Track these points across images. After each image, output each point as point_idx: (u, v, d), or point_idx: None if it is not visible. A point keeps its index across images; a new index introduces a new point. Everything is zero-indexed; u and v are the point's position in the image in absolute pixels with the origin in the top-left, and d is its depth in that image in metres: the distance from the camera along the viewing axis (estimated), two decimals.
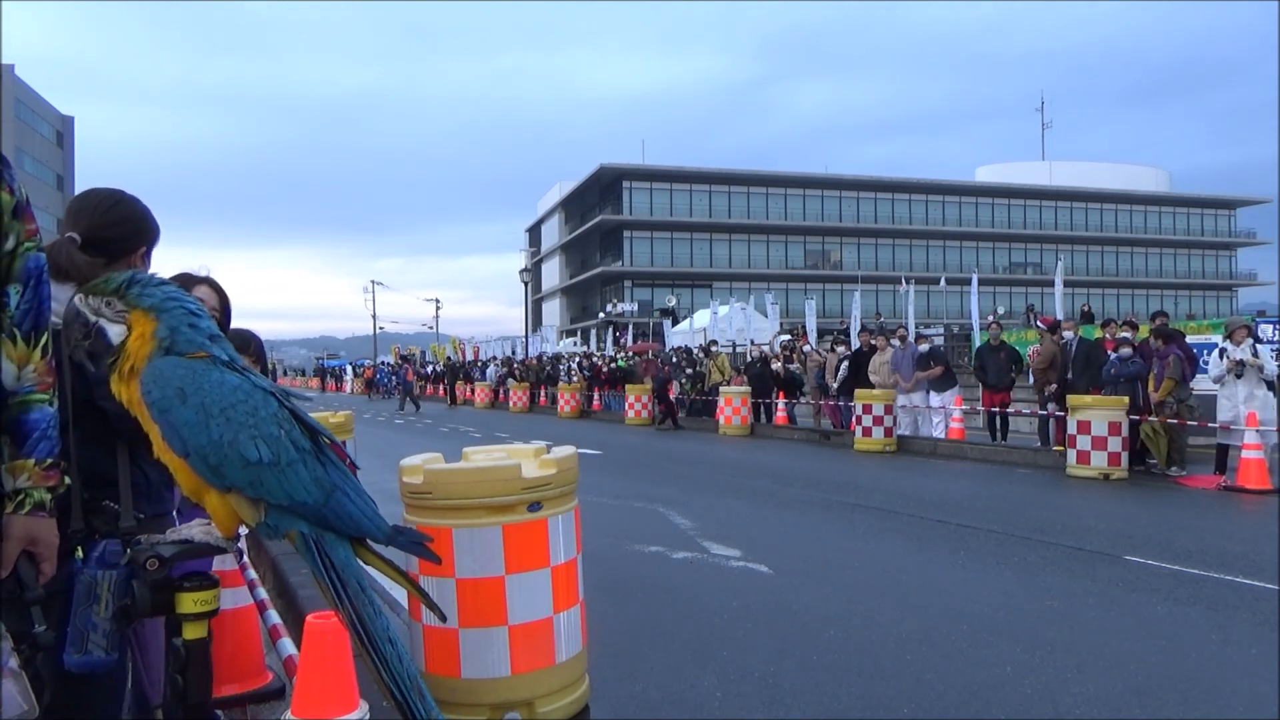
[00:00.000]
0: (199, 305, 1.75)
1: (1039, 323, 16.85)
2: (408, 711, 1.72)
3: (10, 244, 1.72)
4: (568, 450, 3.50)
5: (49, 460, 1.71)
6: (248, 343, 3.18)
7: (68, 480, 1.81)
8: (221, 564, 3.12)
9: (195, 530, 1.75)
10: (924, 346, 14.80)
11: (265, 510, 1.67)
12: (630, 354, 27.97)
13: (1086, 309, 19.94)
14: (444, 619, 2.18)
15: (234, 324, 3.19)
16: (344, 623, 1.74)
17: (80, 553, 1.89)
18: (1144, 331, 12.11)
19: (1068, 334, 12.46)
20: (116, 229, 2.18)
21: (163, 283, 1.72)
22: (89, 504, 1.95)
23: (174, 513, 2.25)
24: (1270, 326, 13.71)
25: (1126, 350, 11.03)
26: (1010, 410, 13.85)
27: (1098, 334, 12.94)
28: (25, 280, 1.73)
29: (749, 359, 19.64)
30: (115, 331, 1.68)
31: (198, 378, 1.62)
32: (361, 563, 1.79)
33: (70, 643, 1.73)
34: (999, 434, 13.59)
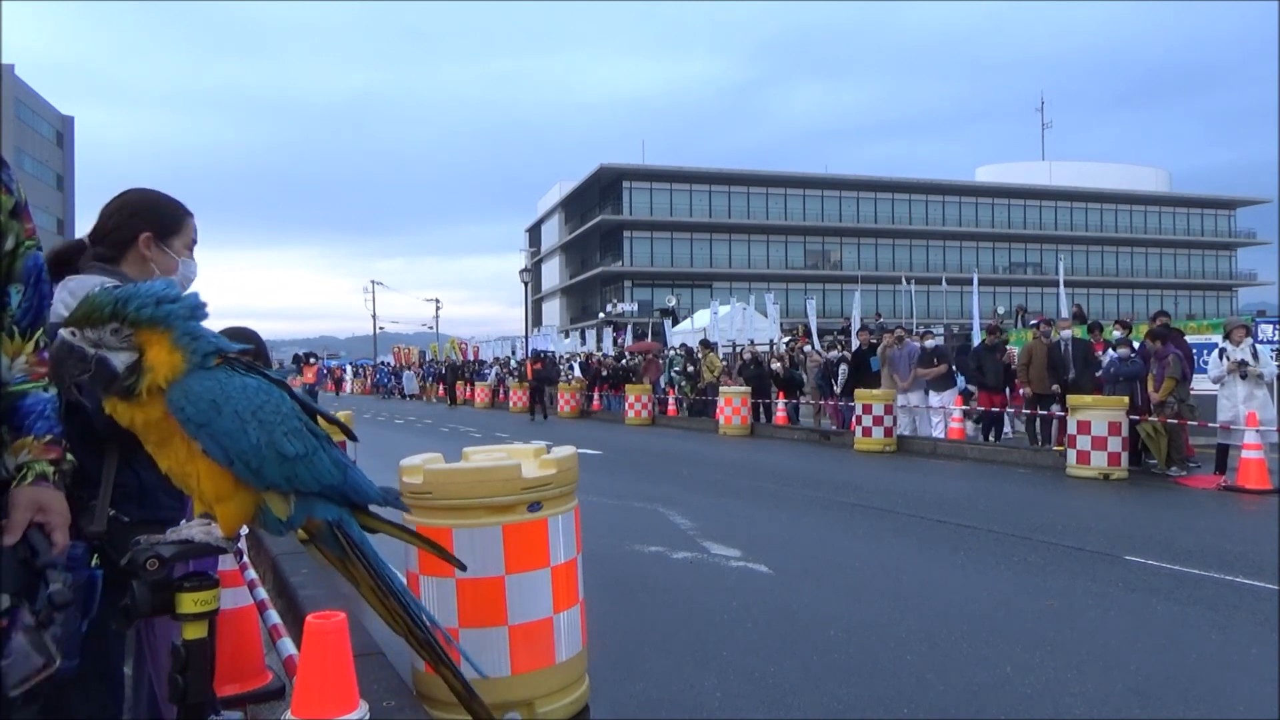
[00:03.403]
0: (194, 296, 1.73)
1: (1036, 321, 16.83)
2: (435, 652, 2.01)
3: (10, 244, 1.73)
4: (568, 450, 3.50)
5: (49, 436, 1.72)
6: (250, 341, 3.19)
7: (70, 458, 1.81)
8: (221, 564, 3.11)
9: (195, 530, 1.75)
10: (930, 342, 14.80)
11: (294, 501, 1.72)
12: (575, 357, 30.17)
13: (1077, 309, 19.86)
14: (463, 568, 2.35)
15: (235, 322, 3.20)
16: (373, 590, 1.89)
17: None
18: (1139, 331, 12.11)
19: (1065, 333, 12.46)
20: (110, 219, 2.19)
21: (152, 289, 1.67)
22: (72, 502, 1.95)
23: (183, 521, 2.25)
24: (1270, 326, 13.70)
25: (1124, 350, 11.04)
26: (1009, 410, 13.85)
27: (1084, 334, 12.95)
28: (26, 279, 1.75)
29: (743, 359, 19.68)
30: (121, 359, 1.61)
31: (224, 386, 1.63)
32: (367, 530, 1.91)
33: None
34: (991, 434, 13.58)
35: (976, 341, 15.81)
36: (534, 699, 3.25)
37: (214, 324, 1.78)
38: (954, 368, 14.50)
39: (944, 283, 48.61)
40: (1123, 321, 12.77)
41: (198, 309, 1.70)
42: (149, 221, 2.23)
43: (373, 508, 1.91)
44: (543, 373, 24.91)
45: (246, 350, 1.78)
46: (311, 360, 32.89)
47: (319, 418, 1.86)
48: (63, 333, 1.63)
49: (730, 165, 67.58)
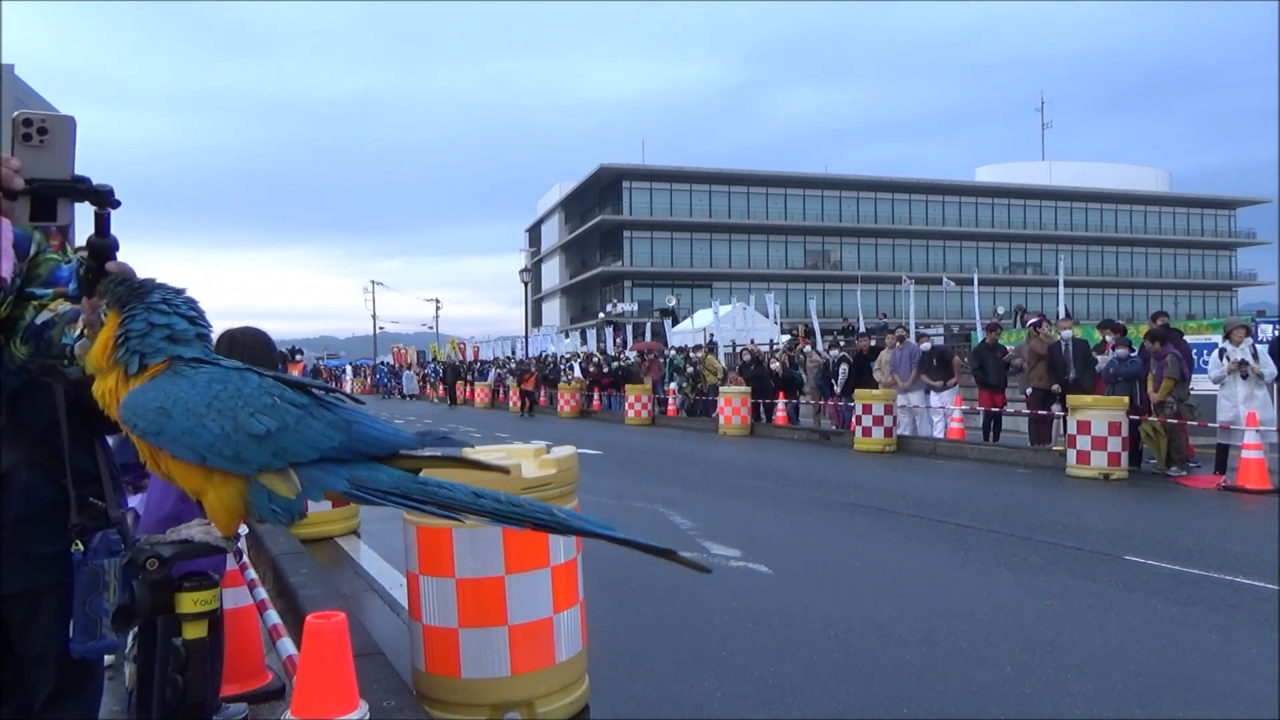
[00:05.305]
0: (166, 298, 1.63)
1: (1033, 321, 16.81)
2: (543, 520, 1.75)
3: (32, 250, 1.76)
4: (568, 450, 3.50)
5: None
6: (256, 341, 3.19)
7: None
8: None
9: (195, 530, 1.74)
10: (925, 345, 14.79)
11: (298, 476, 1.64)
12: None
13: (1068, 309, 19.88)
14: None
15: (235, 323, 3.19)
16: (440, 515, 1.77)
17: (80, 546, 1.94)
18: (1134, 333, 12.08)
19: (1065, 333, 12.46)
20: None
21: (143, 284, 1.62)
22: (76, 501, 2.00)
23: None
24: (1270, 326, 13.69)
25: (1123, 350, 11.04)
26: (1009, 410, 13.84)
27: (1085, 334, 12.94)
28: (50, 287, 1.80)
29: (742, 360, 19.68)
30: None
31: (167, 390, 1.58)
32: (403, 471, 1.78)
33: (80, 630, 1.74)
34: (991, 434, 13.60)
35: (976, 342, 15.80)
36: (534, 699, 3.25)
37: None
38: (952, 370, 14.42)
39: (946, 282, 48.52)
40: (1117, 326, 12.77)
41: (157, 324, 1.58)
42: None
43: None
44: (531, 375, 28.00)
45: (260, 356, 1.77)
46: (297, 357, 32.84)
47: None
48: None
49: (730, 165, 67.57)
